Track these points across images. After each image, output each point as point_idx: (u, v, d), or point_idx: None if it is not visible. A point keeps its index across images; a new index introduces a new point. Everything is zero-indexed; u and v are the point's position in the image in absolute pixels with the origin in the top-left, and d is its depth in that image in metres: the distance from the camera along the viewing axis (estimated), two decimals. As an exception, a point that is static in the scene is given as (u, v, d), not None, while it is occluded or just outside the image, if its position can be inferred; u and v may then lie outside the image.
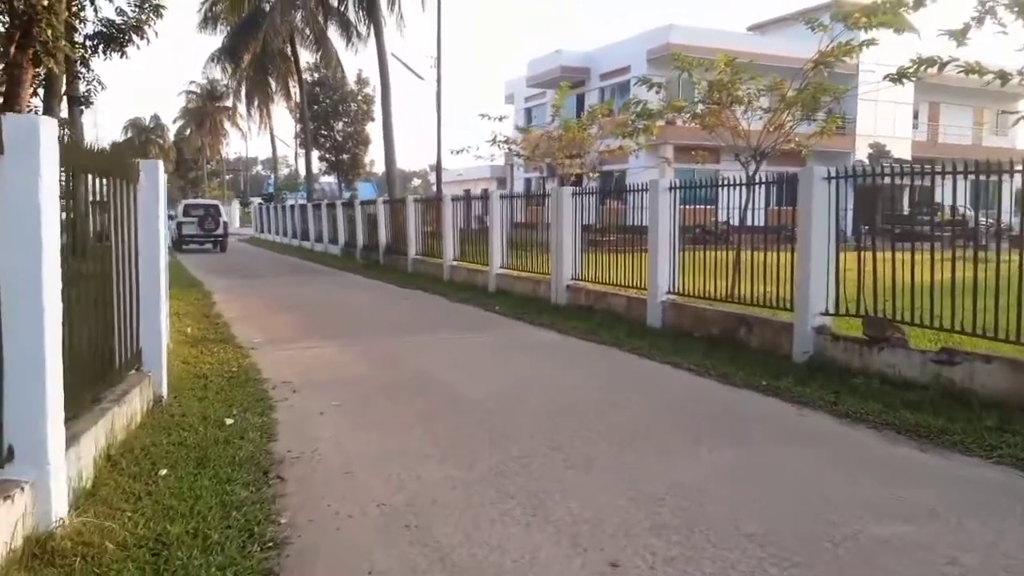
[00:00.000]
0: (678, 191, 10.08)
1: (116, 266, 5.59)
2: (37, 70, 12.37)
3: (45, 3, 11.36)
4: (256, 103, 45.77)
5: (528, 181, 44.96)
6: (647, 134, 12.81)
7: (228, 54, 36.51)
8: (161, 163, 6.81)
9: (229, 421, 5.75)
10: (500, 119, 15.62)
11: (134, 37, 16.04)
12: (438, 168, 28.09)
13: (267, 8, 32.52)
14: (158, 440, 5.17)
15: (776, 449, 5.38)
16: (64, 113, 18.51)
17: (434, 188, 38.73)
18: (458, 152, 15.87)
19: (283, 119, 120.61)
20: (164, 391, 6.20)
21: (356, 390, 7.02)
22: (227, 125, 75.47)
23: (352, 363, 8.34)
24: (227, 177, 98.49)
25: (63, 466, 3.72)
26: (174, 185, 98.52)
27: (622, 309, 10.92)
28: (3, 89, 12.10)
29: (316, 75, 60.95)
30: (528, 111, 43.34)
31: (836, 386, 6.88)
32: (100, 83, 16.57)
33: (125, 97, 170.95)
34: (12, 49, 11.72)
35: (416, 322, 11.53)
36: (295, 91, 38.78)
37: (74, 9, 15.58)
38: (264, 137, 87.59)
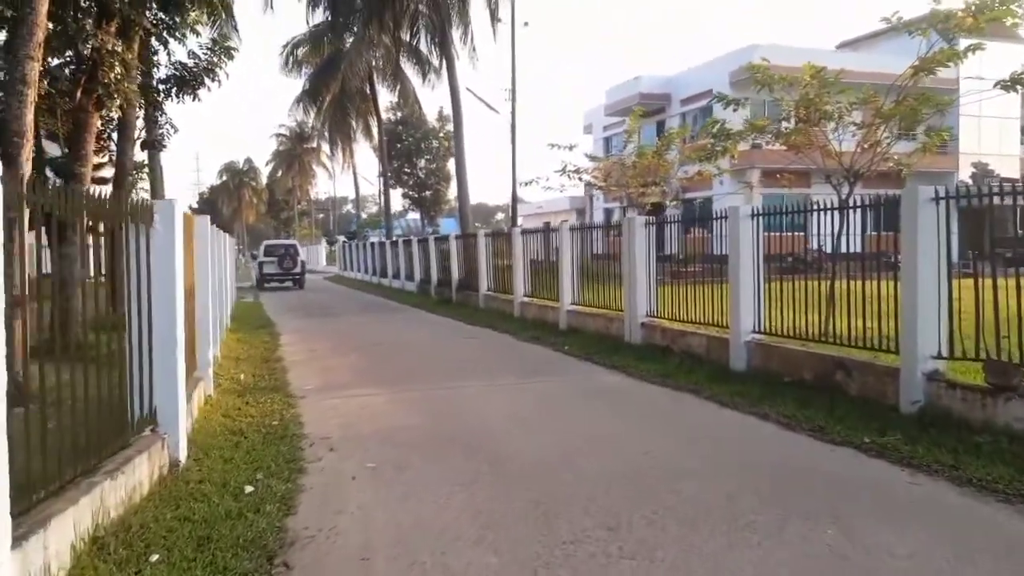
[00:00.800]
0: (762, 217, 9.11)
1: (127, 315, 5.14)
2: (102, 113, 12.42)
3: (110, 47, 11.38)
4: (339, 143, 46.67)
5: (608, 212, 44.12)
6: (727, 155, 11.84)
7: (310, 96, 37.35)
8: (177, 202, 6.12)
9: (249, 489, 5.16)
10: (570, 148, 15.00)
11: (205, 80, 16.26)
12: (513, 201, 27.60)
13: (345, 48, 33.07)
14: (161, 514, 4.61)
15: (883, 530, 4.39)
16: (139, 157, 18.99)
17: (520, 222, 38.73)
18: (527, 184, 15.24)
19: (368, 157, 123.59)
20: (182, 454, 5.67)
21: (397, 448, 6.35)
22: (315, 166, 77.55)
23: (400, 413, 7.70)
24: (320, 216, 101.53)
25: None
26: (268, 225, 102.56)
27: (702, 350, 9.95)
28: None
29: (399, 114, 62.38)
30: (607, 140, 42.60)
31: (954, 444, 5.80)
32: (173, 126, 16.80)
33: (223, 141, 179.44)
34: (78, 93, 11.81)
35: (477, 365, 10.85)
36: (376, 129, 39.24)
37: (145, 53, 15.93)
38: (351, 176, 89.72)
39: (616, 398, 8.38)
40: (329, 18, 27.71)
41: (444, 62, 23.57)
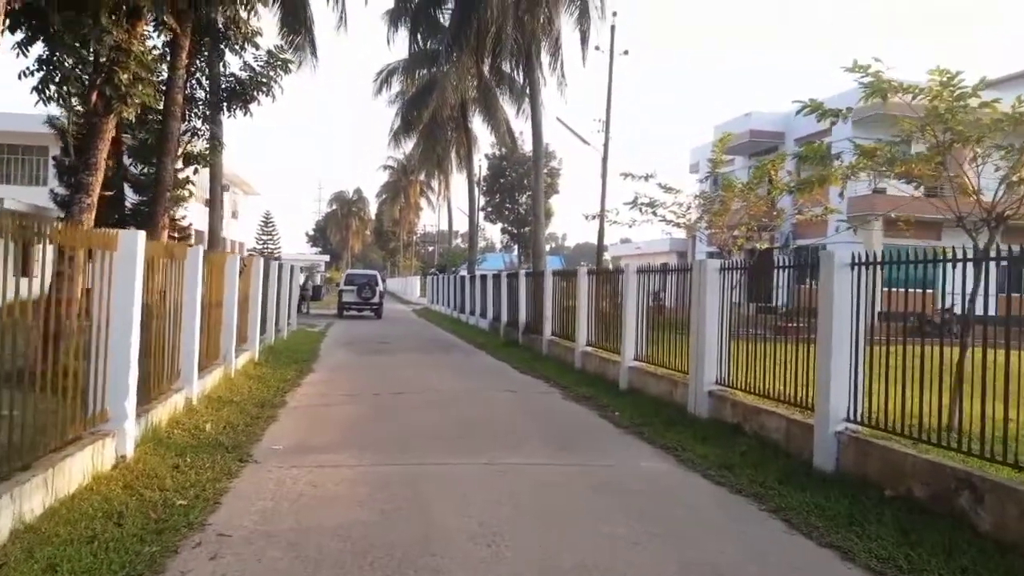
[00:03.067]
0: (867, 267, 6.81)
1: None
2: (124, 118, 11.41)
3: (124, 44, 10.33)
4: (436, 175, 46.09)
5: (710, 254, 41.33)
6: (826, 186, 9.57)
7: (404, 126, 36.80)
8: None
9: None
10: (646, 178, 12.89)
11: (257, 94, 15.28)
12: (599, 239, 25.66)
13: (438, 74, 32.20)
14: None
15: None
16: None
17: (622, 263, 36.46)
18: (590, 218, 13.09)
19: (466, 190, 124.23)
20: None
21: (305, 566, 4.50)
22: (419, 197, 78.00)
23: (352, 502, 5.85)
24: (431, 249, 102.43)
25: None
26: (377, 255, 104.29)
27: (779, 435, 7.65)
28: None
29: (502, 149, 61.76)
30: (715, 180, 39.95)
31: None
32: (219, 141, 15.88)
33: (346, 169, 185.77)
34: (94, 96, 10.82)
35: (498, 429, 8.90)
36: (479, 163, 38.29)
37: (195, 63, 15.10)
38: (458, 209, 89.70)
39: (649, 500, 6.24)
40: (408, 39, 26.82)
41: (528, 87, 22.00)
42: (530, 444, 8.11)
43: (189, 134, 15.55)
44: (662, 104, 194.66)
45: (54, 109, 11.62)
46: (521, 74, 23.40)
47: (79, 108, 11.29)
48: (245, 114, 15.16)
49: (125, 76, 10.44)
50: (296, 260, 75.11)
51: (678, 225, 14.26)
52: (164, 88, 13.72)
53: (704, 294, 9.45)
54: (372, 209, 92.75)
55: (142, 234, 6.56)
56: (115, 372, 6.05)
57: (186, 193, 23.97)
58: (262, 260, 14.08)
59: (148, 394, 7.24)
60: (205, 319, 9.97)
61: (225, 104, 14.97)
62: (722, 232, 13.67)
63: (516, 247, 68.86)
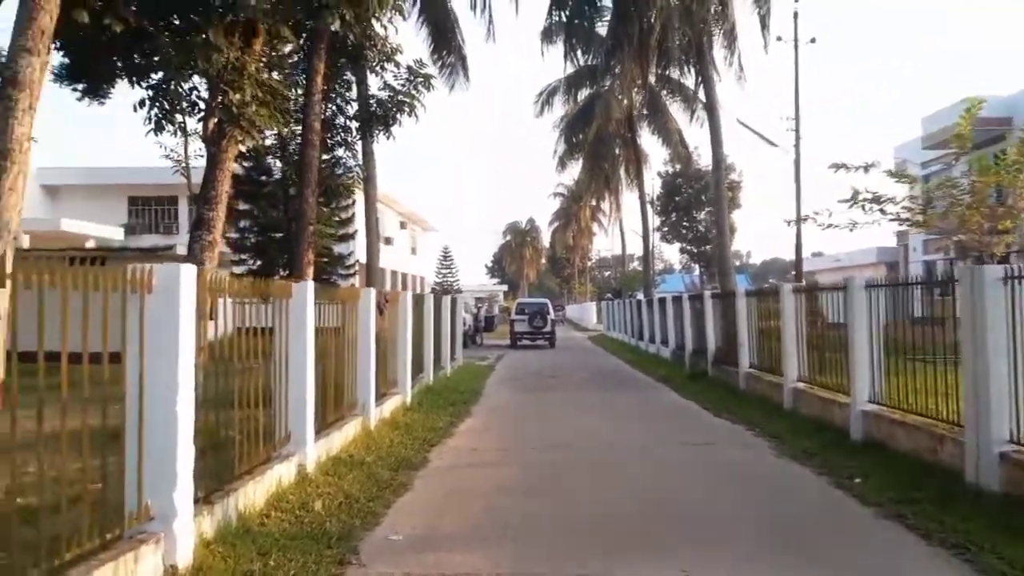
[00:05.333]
0: None
1: None
2: (241, 144, 10.32)
3: (238, 64, 9.19)
4: (606, 196, 44.02)
5: (928, 265, 35.92)
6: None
7: (568, 147, 35.13)
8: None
9: None
10: (866, 168, 9.94)
11: (399, 115, 14.00)
12: (797, 251, 22.41)
13: (601, 90, 30.27)
14: None
15: None
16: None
17: (817, 278, 32.40)
18: (791, 223, 10.27)
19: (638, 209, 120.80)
20: None
21: None
22: (591, 221, 76.16)
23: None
24: (606, 273, 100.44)
25: None
26: (552, 283, 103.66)
27: None
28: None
29: (677, 166, 58.63)
30: (924, 180, 34.85)
31: None
32: (361, 169, 14.73)
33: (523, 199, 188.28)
34: (211, 124, 9.79)
35: (695, 511, 6.55)
36: (650, 181, 35.81)
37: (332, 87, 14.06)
38: (630, 231, 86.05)
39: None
40: (563, 56, 24.93)
41: (701, 85, 19.41)
42: (743, 540, 5.69)
43: (331, 164, 14.55)
44: (853, 97, 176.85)
45: (168, 139, 10.79)
46: (692, 73, 20.84)
47: (198, 136, 10.36)
48: (388, 137, 13.94)
49: (237, 96, 9.28)
50: (475, 291, 76.00)
51: (916, 224, 11.07)
52: (300, 115, 12.76)
53: (982, 313, 6.62)
54: (545, 237, 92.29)
55: (187, 268, 4.93)
56: (158, 460, 4.45)
57: (351, 230, 23.69)
58: (410, 295, 12.64)
59: (228, 473, 5.66)
60: (331, 365, 8.48)
61: (365, 128, 13.80)
62: (975, 231, 10.28)
63: (697, 267, 65.08)
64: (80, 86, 10.33)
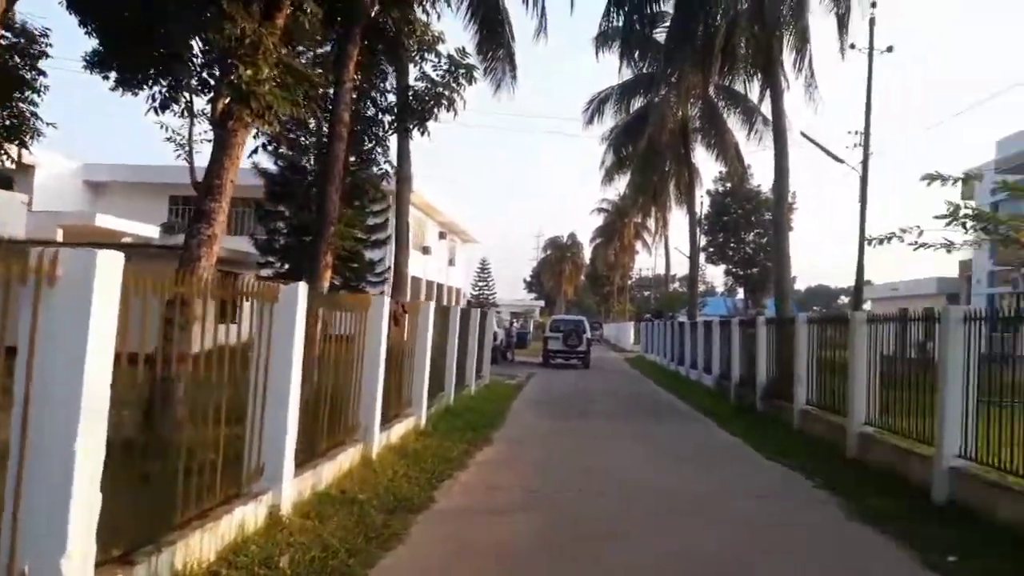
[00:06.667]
0: None
1: None
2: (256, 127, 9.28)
3: (253, 37, 8.14)
4: (653, 212, 42.53)
5: (992, 298, 33.75)
6: None
7: (618, 164, 33.78)
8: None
9: None
10: (963, 181, 8.47)
11: (437, 109, 12.89)
12: (858, 275, 20.79)
13: (655, 100, 28.93)
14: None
15: None
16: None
17: (869, 307, 30.57)
18: (883, 241, 8.85)
19: (685, 228, 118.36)
20: None
21: None
22: (634, 239, 74.47)
23: None
24: (646, 293, 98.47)
25: None
26: (590, 300, 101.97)
27: None
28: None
29: (727, 185, 56.82)
30: (995, 206, 32.75)
31: None
32: (392, 165, 13.62)
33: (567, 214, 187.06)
34: (220, 103, 8.78)
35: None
36: (700, 199, 34.19)
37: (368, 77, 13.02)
38: (673, 249, 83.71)
39: None
40: (618, 63, 23.74)
41: (768, 91, 17.97)
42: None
43: (361, 160, 13.49)
44: (926, 113, 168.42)
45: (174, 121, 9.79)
46: (757, 83, 19.40)
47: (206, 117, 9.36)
48: (423, 133, 12.83)
49: (249, 72, 8.23)
50: (512, 306, 74.85)
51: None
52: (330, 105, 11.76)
53: None
54: (586, 254, 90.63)
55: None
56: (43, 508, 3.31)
57: (383, 235, 22.72)
58: (433, 305, 11.47)
59: (167, 520, 4.52)
60: (327, 383, 7.34)
61: (400, 122, 12.71)
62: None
63: (741, 290, 63.06)
64: (112, 74, 9.38)
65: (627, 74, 27.78)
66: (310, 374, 7.02)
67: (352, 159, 13.74)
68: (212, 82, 9.41)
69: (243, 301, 5.72)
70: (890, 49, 21.98)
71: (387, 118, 13.06)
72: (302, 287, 6.14)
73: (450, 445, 10.03)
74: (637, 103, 30.51)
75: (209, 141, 9.61)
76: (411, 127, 12.91)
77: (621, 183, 38.08)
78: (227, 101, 8.79)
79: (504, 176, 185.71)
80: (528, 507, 7.30)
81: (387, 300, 8.71)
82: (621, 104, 30.77)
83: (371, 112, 13.23)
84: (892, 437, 9.26)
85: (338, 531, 5.87)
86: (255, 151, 13.22)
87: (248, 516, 5.42)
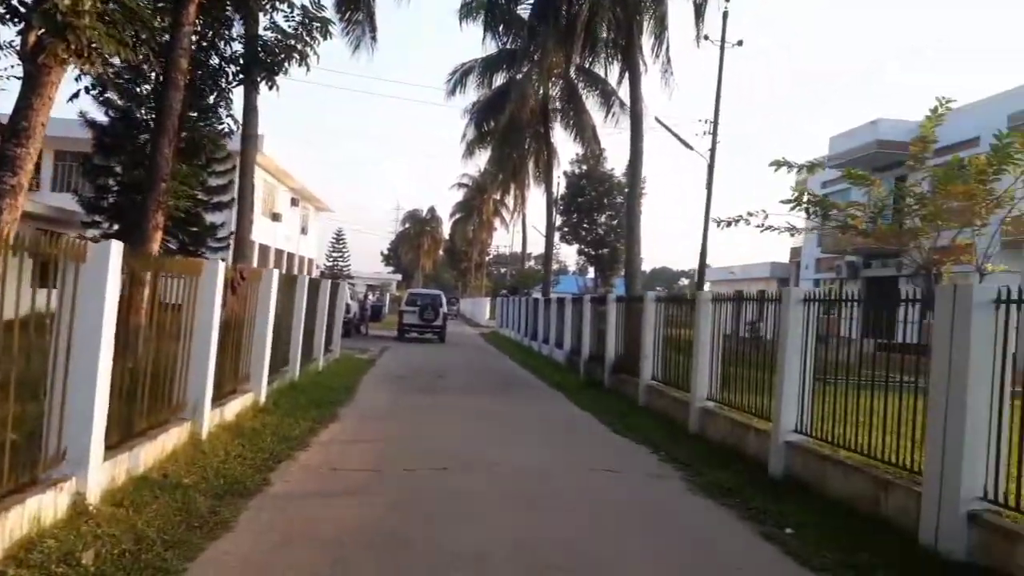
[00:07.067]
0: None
1: None
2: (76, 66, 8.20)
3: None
4: (511, 189, 42.62)
5: (818, 283, 36.40)
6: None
7: (478, 134, 33.51)
8: None
9: None
10: (810, 168, 8.76)
11: (287, 63, 12.01)
12: (702, 258, 21.67)
13: (517, 76, 28.78)
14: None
15: None
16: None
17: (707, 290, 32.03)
18: (731, 223, 8.99)
19: (543, 207, 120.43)
20: None
21: None
22: (494, 216, 74.68)
23: None
24: (502, 270, 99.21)
25: None
26: (448, 275, 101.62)
27: None
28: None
29: (583, 167, 57.98)
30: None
31: None
32: (234, 121, 12.64)
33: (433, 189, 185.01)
34: (30, 37, 7.67)
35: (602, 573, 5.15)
36: (557, 179, 34.42)
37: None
38: (531, 227, 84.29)
39: None
40: (482, 35, 23.42)
41: (628, 75, 18.20)
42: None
43: (201, 112, 12.38)
44: (765, 109, 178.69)
45: None
46: (617, 66, 19.60)
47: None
48: (271, 87, 11.91)
49: (66, 1, 7.20)
50: (368, 279, 73.05)
51: (864, 234, 9.95)
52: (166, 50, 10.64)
53: (964, 338, 5.49)
54: (446, 229, 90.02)
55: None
56: None
57: (227, 198, 21.25)
58: (276, 273, 10.72)
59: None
60: (149, 355, 6.60)
61: (246, 74, 11.73)
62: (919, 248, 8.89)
63: (592, 269, 64.85)
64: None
65: (492, 47, 27.53)
66: (129, 345, 6.27)
67: (192, 112, 12.60)
68: (23, 9, 8.22)
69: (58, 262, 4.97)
70: (740, 43, 22.90)
71: (232, 69, 12.02)
72: (115, 246, 5.40)
73: (292, 423, 9.43)
74: (500, 78, 30.35)
75: (18, 78, 8.47)
76: (259, 80, 11.95)
77: (482, 158, 37.96)
78: (40, 32, 7.72)
79: (364, 145, 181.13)
80: (371, 490, 6.91)
81: (222, 266, 7.94)
82: (484, 78, 30.51)
83: (216, 63, 12.13)
84: (732, 412, 9.59)
85: (156, 520, 5.25)
86: (76, 95, 11.80)
87: (46, 506, 4.70)
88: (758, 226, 9.32)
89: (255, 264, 26.82)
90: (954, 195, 7.87)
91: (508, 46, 28.38)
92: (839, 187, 31.82)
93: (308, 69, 12.01)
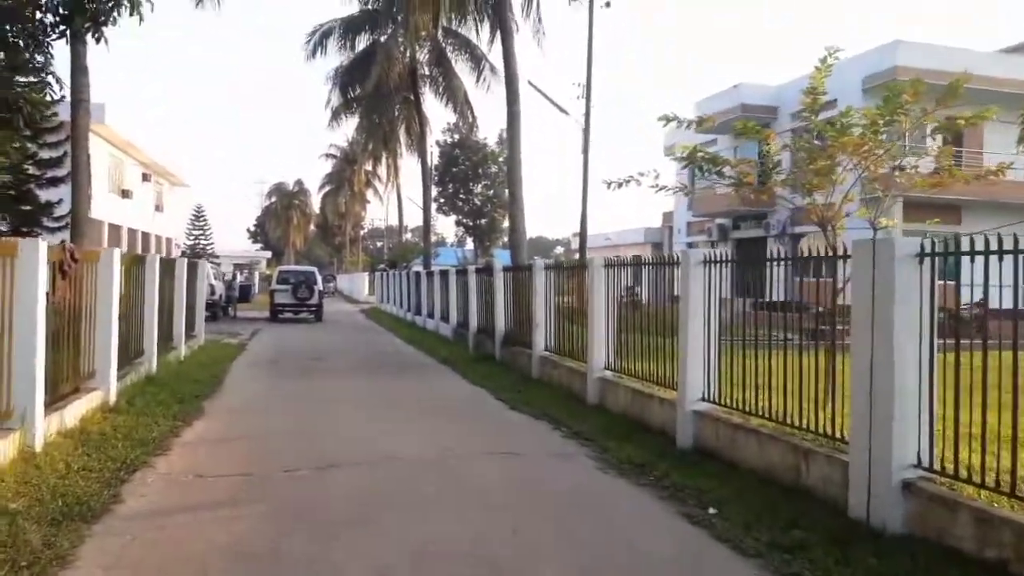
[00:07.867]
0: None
1: None
2: None
3: None
4: (383, 159, 41.14)
5: (690, 246, 37.37)
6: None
7: (344, 104, 31.82)
8: None
9: None
10: (689, 124, 8.46)
11: (116, 13, 10.46)
12: (582, 225, 21.40)
13: (381, 39, 27.40)
14: None
15: None
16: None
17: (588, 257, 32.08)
18: (621, 184, 8.70)
19: (419, 178, 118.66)
20: None
21: None
22: (366, 188, 72.37)
23: None
24: (379, 244, 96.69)
25: None
26: (322, 251, 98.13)
27: None
28: None
29: (456, 136, 56.98)
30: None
31: None
32: (57, 80, 11.02)
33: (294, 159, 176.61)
34: None
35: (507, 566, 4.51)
36: (421, 140, 33.18)
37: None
38: (408, 199, 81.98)
39: None
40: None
41: (499, 32, 17.45)
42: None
43: (14, 69, 10.64)
44: (635, 72, 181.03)
45: None
46: (487, 28, 18.82)
47: None
48: (97, 40, 10.33)
49: None
50: (234, 257, 69.26)
51: (755, 190, 9.76)
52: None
53: (888, 291, 5.16)
54: (315, 202, 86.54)
55: None
56: None
57: (62, 172, 19.01)
58: (117, 252, 9.33)
59: None
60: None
61: (68, 23, 10.12)
62: (815, 201, 8.68)
63: (471, 240, 64.27)
64: None
65: (355, 7, 25.97)
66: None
67: (3, 71, 10.80)
68: None
69: None
70: (608, 4, 22.49)
71: (50, 18, 10.33)
72: None
73: (149, 423, 8.24)
74: (364, 41, 28.78)
75: None
76: (83, 31, 10.33)
77: (349, 126, 36.24)
78: None
79: (222, 114, 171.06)
80: (244, 499, 5.96)
81: (43, 244, 6.65)
82: (346, 40, 28.82)
83: (29, 11, 10.39)
84: (633, 381, 9.19)
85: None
86: None
87: None
88: (652, 186, 8.91)
89: (105, 245, 24.39)
90: (846, 148, 7.74)
91: (370, 6, 26.92)
92: (714, 148, 32.34)
93: (141, 19, 10.50)
